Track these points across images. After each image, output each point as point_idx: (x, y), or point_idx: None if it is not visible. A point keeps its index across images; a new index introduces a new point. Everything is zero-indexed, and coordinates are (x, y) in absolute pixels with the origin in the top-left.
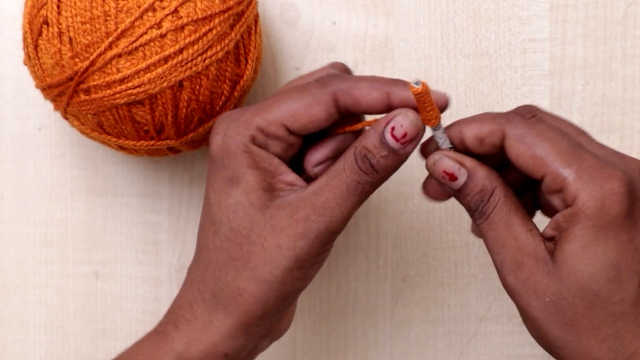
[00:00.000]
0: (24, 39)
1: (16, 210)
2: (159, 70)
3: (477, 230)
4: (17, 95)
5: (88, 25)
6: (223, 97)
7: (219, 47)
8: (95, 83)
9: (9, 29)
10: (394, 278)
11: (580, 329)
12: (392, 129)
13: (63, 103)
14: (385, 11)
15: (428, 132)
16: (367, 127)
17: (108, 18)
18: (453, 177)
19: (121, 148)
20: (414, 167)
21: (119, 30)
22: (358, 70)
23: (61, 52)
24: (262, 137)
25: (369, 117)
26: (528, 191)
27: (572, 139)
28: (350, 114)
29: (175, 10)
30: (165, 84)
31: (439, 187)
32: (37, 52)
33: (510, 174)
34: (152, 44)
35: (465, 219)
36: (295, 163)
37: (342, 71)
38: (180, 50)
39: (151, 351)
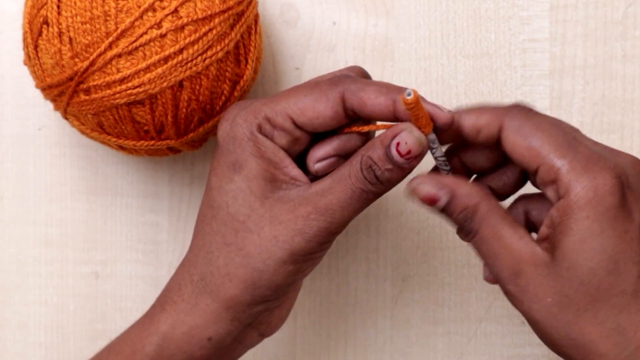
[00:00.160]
0: (24, 39)
1: (16, 210)
2: (159, 70)
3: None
4: (17, 95)
5: (88, 25)
6: (223, 97)
7: (219, 47)
8: (95, 83)
9: (9, 29)
10: (394, 278)
11: (584, 326)
12: (398, 144)
13: (63, 103)
14: (385, 11)
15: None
16: (375, 131)
17: (108, 18)
18: (433, 201)
19: (121, 148)
20: (415, 170)
21: (119, 30)
22: None
23: (61, 52)
24: (268, 127)
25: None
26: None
27: (568, 133)
28: (361, 118)
29: (175, 10)
30: (165, 84)
31: None
32: (37, 52)
33: (504, 174)
34: (152, 44)
35: None
36: (301, 162)
37: (359, 75)
38: (180, 50)
39: (138, 333)
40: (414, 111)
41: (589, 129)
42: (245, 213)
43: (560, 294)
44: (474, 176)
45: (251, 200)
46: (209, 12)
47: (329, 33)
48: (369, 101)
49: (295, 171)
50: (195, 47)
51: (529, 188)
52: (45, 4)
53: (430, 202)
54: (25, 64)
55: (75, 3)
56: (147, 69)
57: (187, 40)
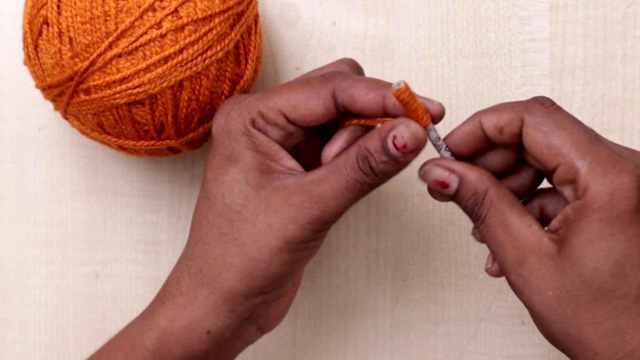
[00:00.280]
0: (24, 39)
1: (16, 210)
2: (159, 70)
3: (478, 233)
4: (17, 95)
5: (88, 25)
6: (223, 97)
7: (219, 47)
8: (95, 83)
9: (9, 29)
10: (394, 278)
11: (582, 323)
12: (394, 137)
13: (63, 103)
14: (385, 11)
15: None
16: (378, 125)
17: (108, 18)
18: (445, 185)
19: (121, 148)
20: (414, 167)
21: (119, 30)
22: None
23: (61, 52)
24: (262, 122)
25: None
26: (535, 197)
27: (589, 131)
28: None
29: (175, 10)
30: (165, 84)
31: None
32: (37, 52)
33: (520, 175)
34: (152, 44)
35: (466, 219)
36: (297, 155)
37: (350, 66)
38: (180, 50)
39: (138, 328)
40: (406, 103)
41: None
42: (241, 203)
43: (561, 288)
44: None
45: (247, 191)
46: (209, 12)
47: (329, 33)
48: (358, 98)
49: (291, 162)
50: (195, 47)
51: (544, 183)
52: (45, 4)
53: (442, 185)
54: (25, 64)
55: (75, 3)
56: (147, 69)
57: (187, 40)
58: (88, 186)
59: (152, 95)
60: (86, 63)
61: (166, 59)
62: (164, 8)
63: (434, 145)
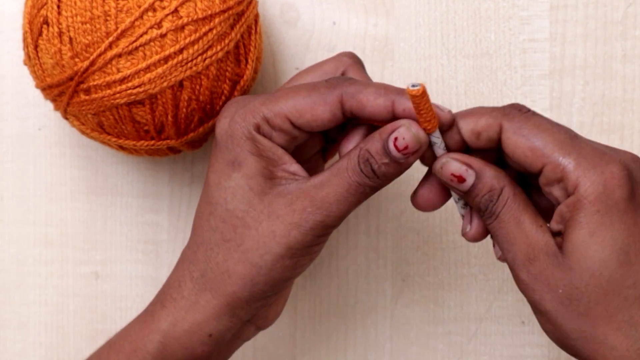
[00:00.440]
0: (24, 39)
1: (16, 210)
2: (159, 70)
3: (484, 230)
4: (17, 95)
5: (88, 25)
6: (223, 97)
7: (219, 47)
8: (95, 83)
9: (9, 29)
10: (394, 278)
11: (595, 318)
12: (395, 139)
13: (63, 103)
14: (385, 11)
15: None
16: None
17: (108, 18)
18: (461, 179)
19: (121, 148)
20: (414, 167)
21: (119, 30)
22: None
23: (61, 52)
24: (267, 127)
25: None
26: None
27: (569, 130)
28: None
29: (176, 10)
30: (165, 84)
31: (429, 197)
32: (37, 52)
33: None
34: (152, 43)
35: None
36: (299, 155)
37: (351, 59)
38: (181, 50)
39: (139, 331)
40: (419, 106)
41: (589, 129)
42: (244, 209)
43: (571, 286)
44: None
45: (250, 197)
46: (209, 12)
47: (329, 33)
48: (367, 103)
49: (294, 167)
50: (196, 46)
51: None
52: (46, 3)
53: (459, 180)
54: (26, 64)
55: (75, 3)
56: (147, 68)
57: (187, 40)
58: (88, 186)
59: (152, 95)
60: (86, 63)
61: (166, 59)
62: (164, 8)
63: (436, 154)
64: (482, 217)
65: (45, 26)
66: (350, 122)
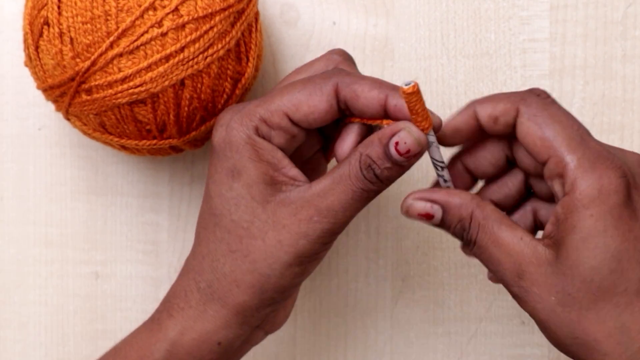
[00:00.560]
0: (25, 40)
1: (16, 210)
2: (161, 69)
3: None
4: (17, 95)
5: (89, 25)
6: (225, 95)
7: (220, 45)
8: (96, 83)
9: (9, 29)
10: (394, 278)
11: (587, 325)
12: (397, 143)
13: (65, 104)
14: (385, 11)
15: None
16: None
17: (109, 17)
18: (429, 216)
19: (124, 148)
20: (414, 167)
21: (119, 30)
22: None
23: (62, 52)
24: (265, 128)
25: None
26: (528, 201)
27: (581, 127)
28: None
29: (176, 9)
30: (167, 83)
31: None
32: (38, 53)
33: (504, 185)
34: (153, 42)
35: None
36: (296, 159)
37: (341, 56)
38: (182, 49)
39: (145, 339)
40: (412, 104)
41: (589, 129)
42: (248, 219)
43: (563, 292)
44: (480, 187)
45: (253, 206)
46: (210, 10)
47: (329, 33)
48: (362, 94)
49: (293, 171)
50: (197, 45)
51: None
52: (46, 4)
53: (427, 217)
54: (26, 65)
55: (75, 3)
56: (149, 67)
57: (188, 39)
58: (88, 186)
59: (154, 94)
60: (87, 63)
61: (167, 58)
62: (164, 7)
63: (429, 154)
64: (465, 250)
65: (45, 27)
66: (342, 120)
